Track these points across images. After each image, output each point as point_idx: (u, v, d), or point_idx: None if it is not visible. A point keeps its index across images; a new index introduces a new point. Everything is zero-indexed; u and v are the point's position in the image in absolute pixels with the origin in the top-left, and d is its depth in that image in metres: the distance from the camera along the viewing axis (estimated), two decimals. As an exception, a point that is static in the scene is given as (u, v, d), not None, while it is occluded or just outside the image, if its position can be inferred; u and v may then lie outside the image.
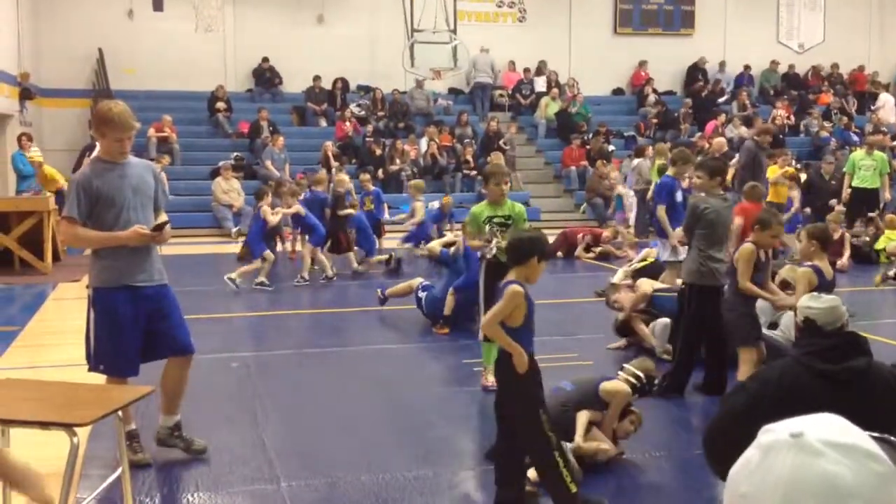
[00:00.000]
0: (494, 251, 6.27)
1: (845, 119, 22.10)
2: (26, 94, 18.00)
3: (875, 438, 1.24)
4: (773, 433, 1.21)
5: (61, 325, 9.41)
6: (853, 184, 14.42)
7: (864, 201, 14.34)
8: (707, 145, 17.03)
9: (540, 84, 22.28)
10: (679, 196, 9.02)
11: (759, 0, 24.06)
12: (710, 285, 6.43)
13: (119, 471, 4.23)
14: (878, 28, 24.89)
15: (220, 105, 20.03)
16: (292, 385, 7.03)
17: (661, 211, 8.98)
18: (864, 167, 14.37)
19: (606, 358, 7.61)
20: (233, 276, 10.87)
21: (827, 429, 1.19)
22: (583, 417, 5.07)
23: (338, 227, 12.36)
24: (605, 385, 5.23)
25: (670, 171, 9.22)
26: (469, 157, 19.47)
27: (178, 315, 5.06)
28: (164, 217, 5.01)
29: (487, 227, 6.41)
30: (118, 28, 20.04)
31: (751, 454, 1.22)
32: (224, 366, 7.33)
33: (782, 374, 3.16)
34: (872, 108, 23.05)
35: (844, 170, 15.06)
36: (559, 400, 5.15)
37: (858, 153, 14.98)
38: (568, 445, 4.92)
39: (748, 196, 9.56)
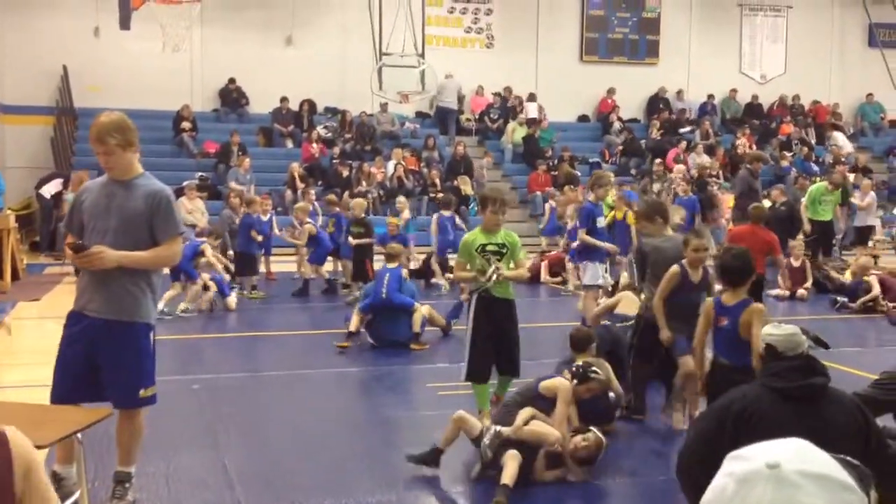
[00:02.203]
0: (494, 278, 5.93)
1: (805, 149, 22.47)
2: (-12, 110, 17.79)
3: (840, 461, 1.25)
4: (747, 462, 1.20)
5: (19, 345, 9.26)
6: (811, 216, 14.70)
7: (823, 233, 14.65)
8: (668, 172, 17.21)
9: (532, 110, 22.47)
10: (602, 221, 9.36)
11: (722, 31, 24.48)
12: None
13: (76, 494, 4.17)
14: (839, 60, 25.39)
15: (186, 125, 19.91)
16: (255, 408, 6.97)
17: (582, 234, 9.30)
18: (824, 201, 14.71)
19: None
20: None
21: (801, 458, 1.19)
22: (525, 412, 5.24)
23: (361, 255, 12.04)
24: (544, 382, 5.49)
25: (591, 197, 9.49)
26: (436, 181, 19.54)
27: (124, 362, 4.48)
28: (171, 242, 4.59)
29: (480, 258, 6.03)
30: (84, 46, 19.85)
31: (724, 483, 1.20)
32: (185, 388, 7.25)
33: (745, 396, 3.22)
34: (829, 141, 23.40)
35: (803, 201, 15.23)
36: (504, 403, 5.60)
37: (819, 187, 15.21)
38: (506, 430, 5.09)
39: (751, 217, 9.83)
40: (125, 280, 4.50)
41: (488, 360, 6.09)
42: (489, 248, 6.04)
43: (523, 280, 6.87)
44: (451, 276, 11.58)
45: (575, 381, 5.57)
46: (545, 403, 5.36)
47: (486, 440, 5.12)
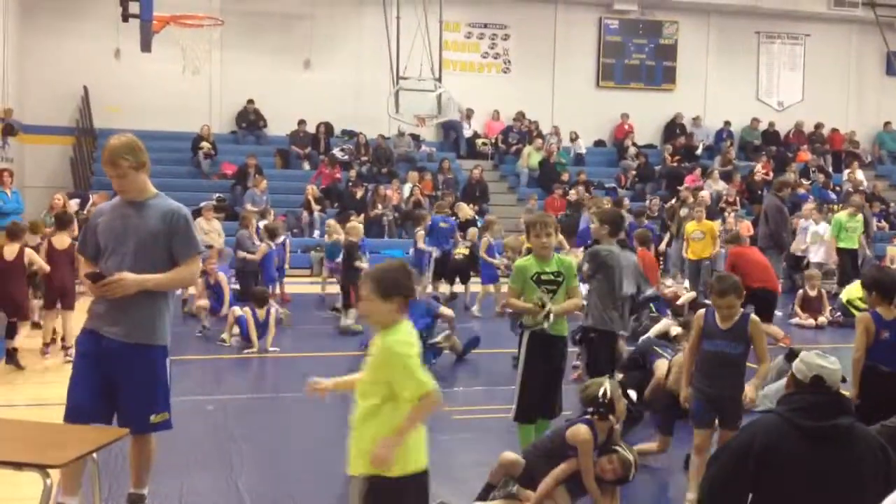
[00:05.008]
0: (551, 321, 5.53)
1: (822, 177, 22.38)
2: (9, 129, 17.92)
3: None
4: None
5: (31, 365, 9.27)
6: (839, 245, 14.66)
7: (850, 260, 14.58)
8: (691, 198, 17.03)
9: (581, 146, 22.87)
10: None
11: (739, 58, 24.47)
12: (607, 330, 6.49)
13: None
14: (856, 88, 25.33)
15: (204, 146, 20.05)
16: (269, 429, 6.95)
17: None
18: (850, 228, 14.65)
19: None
20: None
21: None
22: (550, 478, 4.95)
23: (350, 280, 11.44)
24: (570, 430, 5.06)
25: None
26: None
27: (137, 386, 4.44)
28: (191, 261, 4.56)
29: (536, 289, 5.60)
30: (105, 67, 20.06)
31: None
32: (199, 408, 7.24)
33: (767, 430, 3.17)
34: (847, 168, 23.29)
35: (831, 232, 15.03)
36: (534, 444, 5.31)
37: (843, 215, 15.12)
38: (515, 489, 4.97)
39: (736, 240, 9.86)
40: (143, 302, 4.44)
41: (539, 401, 5.72)
42: (544, 277, 5.63)
43: (578, 309, 6.26)
44: None
45: (595, 416, 5.06)
46: (575, 452, 5.00)
47: (498, 492, 5.03)
